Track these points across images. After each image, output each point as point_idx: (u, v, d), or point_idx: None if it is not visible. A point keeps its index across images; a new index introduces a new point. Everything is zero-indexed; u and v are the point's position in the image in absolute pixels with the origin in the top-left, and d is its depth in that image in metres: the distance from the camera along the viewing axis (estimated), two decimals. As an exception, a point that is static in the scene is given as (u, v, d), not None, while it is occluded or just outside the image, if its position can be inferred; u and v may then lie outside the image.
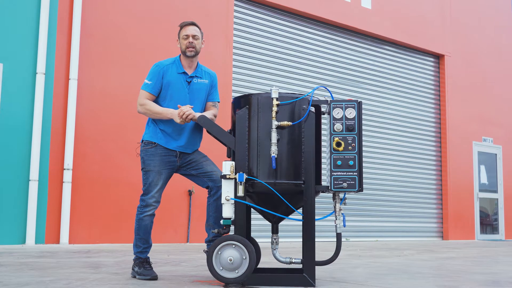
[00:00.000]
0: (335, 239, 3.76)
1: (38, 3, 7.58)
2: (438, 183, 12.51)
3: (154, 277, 3.90)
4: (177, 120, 3.91)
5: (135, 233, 4.06)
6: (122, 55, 8.26)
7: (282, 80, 10.17)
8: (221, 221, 3.69)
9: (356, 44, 11.42)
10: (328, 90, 3.89)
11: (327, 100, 3.75)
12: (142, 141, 4.14)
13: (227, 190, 3.65)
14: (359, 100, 3.73)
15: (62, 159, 7.55)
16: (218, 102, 4.30)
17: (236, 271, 3.51)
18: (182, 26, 4.17)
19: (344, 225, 3.71)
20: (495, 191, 13.63)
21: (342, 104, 3.69)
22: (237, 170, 3.66)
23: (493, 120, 13.66)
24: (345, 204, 3.73)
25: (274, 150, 3.60)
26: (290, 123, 3.64)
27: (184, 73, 4.12)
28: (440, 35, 12.69)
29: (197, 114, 3.93)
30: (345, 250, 7.55)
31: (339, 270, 4.77)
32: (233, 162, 3.68)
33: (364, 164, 11.26)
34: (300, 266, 3.79)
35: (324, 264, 3.75)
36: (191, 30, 4.13)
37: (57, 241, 7.42)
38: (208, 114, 4.12)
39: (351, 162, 3.62)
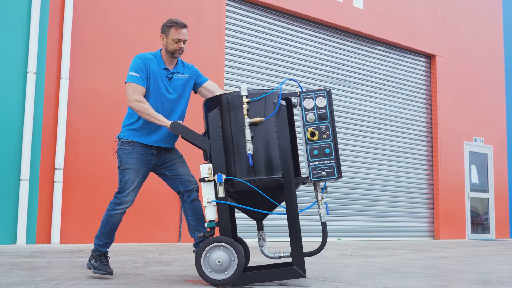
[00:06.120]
0: (321, 234, 3.76)
1: (29, 1, 7.53)
2: (430, 182, 12.55)
3: (110, 273, 3.87)
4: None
5: (101, 226, 4.04)
6: (113, 54, 8.22)
7: (274, 79, 10.17)
8: (205, 224, 3.68)
9: (348, 44, 11.44)
10: (297, 82, 3.90)
11: (297, 92, 3.75)
12: (119, 138, 4.09)
13: (208, 192, 3.63)
14: (328, 88, 3.74)
15: (53, 159, 7.51)
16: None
17: (225, 272, 3.52)
18: (175, 27, 4.10)
19: (328, 213, 3.71)
20: (486, 191, 13.69)
21: (312, 94, 3.71)
22: (215, 171, 3.65)
23: (484, 120, 13.73)
24: (326, 192, 3.73)
25: (249, 147, 3.60)
26: (262, 118, 3.64)
27: (166, 69, 4.09)
28: (432, 35, 12.74)
29: (170, 123, 3.86)
30: (337, 250, 7.57)
31: (330, 269, 4.78)
32: (211, 164, 3.66)
33: (355, 164, 11.40)
34: (289, 259, 3.78)
35: (312, 254, 3.74)
36: (183, 34, 4.09)
37: (48, 241, 7.38)
38: (215, 88, 4.15)
39: (327, 150, 3.63)
